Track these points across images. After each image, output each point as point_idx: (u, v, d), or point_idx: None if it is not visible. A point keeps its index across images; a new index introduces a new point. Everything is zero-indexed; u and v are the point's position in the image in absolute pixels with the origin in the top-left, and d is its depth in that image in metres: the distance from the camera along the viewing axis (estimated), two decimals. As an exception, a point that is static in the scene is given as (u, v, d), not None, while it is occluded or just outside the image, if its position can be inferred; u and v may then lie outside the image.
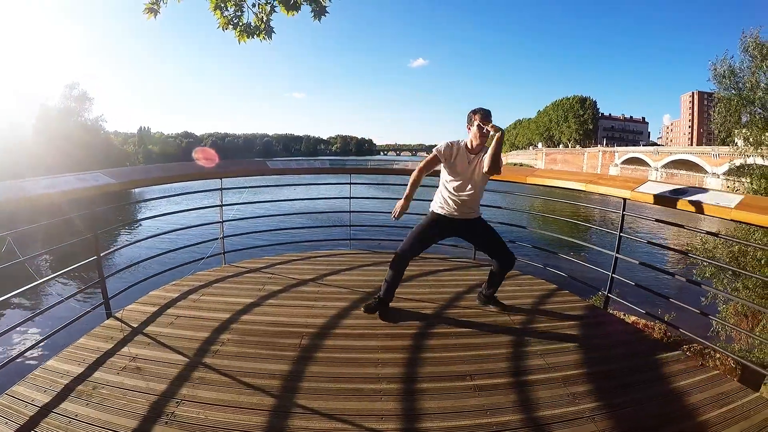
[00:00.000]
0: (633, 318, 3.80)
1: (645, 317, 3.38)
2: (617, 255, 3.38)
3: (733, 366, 6.66)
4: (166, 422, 1.91)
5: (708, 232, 3.77)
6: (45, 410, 1.96)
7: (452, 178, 2.96)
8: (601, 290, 3.52)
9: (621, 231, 3.37)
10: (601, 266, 3.77)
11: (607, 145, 79.32)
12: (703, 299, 8.33)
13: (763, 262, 8.27)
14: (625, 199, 3.23)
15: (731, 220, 2.51)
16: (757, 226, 2.71)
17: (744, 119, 9.00)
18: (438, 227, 3.09)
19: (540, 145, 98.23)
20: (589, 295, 3.83)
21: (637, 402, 2.17)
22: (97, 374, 2.28)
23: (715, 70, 9.00)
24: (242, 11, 3.40)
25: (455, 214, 3.01)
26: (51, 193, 2.44)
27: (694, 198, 2.68)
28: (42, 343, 2.76)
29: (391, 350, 2.63)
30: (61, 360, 2.41)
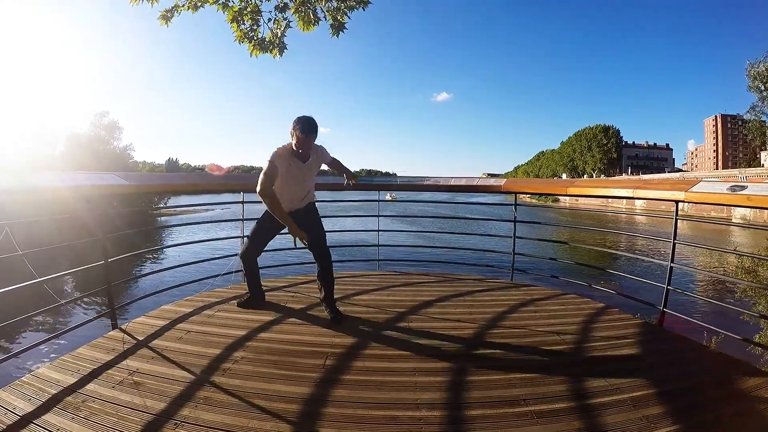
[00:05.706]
0: (695, 332, 3.42)
1: (710, 331, 2.99)
2: (672, 264, 3.02)
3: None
4: None
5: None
6: (25, 420, 1.75)
7: (287, 182, 2.97)
8: (656, 305, 3.12)
9: (675, 238, 3.02)
10: (654, 279, 3.41)
11: (632, 173, 78.15)
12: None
13: None
14: (677, 202, 2.90)
15: None
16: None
17: None
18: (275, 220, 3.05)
19: (564, 176, 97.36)
20: (643, 312, 3.43)
21: (718, 420, 1.90)
22: (90, 386, 2.04)
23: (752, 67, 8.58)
24: (258, 25, 3.42)
25: (291, 207, 3.07)
26: (60, 186, 2.27)
27: (756, 192, 2.41)
28: (34, 349, 2.51)
29: (430, 373, 2.27)
30: (53, 368, 2.19)
